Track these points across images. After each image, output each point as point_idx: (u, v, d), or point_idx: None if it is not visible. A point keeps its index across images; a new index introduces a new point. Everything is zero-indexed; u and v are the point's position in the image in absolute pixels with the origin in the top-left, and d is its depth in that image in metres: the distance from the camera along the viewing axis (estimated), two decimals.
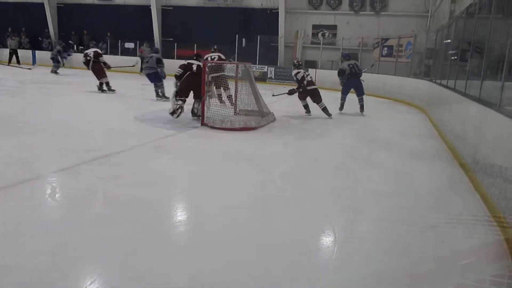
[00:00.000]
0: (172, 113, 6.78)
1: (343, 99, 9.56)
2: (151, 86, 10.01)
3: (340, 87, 9.75)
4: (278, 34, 17.83)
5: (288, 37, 17.99)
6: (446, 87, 7.23)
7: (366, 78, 12.71)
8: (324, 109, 8.36)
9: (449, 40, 8.23)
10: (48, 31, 21.22)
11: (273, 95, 9.11)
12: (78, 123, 6.38)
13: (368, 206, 3.52)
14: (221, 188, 3.78)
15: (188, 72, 6.97)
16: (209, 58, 9.04)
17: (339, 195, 3.79)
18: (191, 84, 6.84)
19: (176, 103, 6.78)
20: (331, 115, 8.34)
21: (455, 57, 7.08)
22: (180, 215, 3.22)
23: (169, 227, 2.92)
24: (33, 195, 3.38)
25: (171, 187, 3.80)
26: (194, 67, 6.96)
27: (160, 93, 9.87)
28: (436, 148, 6.08)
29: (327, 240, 2.84)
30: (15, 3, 21.80)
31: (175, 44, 18.97)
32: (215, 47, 10.63)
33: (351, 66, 9.36)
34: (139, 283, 2.16)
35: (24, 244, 2.48)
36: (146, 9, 19.43)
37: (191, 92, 6.94)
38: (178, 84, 7.06)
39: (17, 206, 3.07)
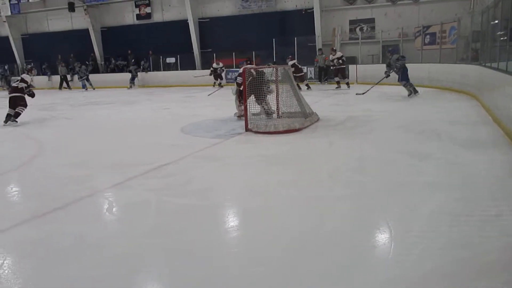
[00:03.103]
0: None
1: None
2: (194, 98, 10.22)
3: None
4: (315, 34, 17.69)
5: (325, 35, 17.80)
6: (498, 69, 6.85)
7: (410, 68, 12.36)
8: None
9: (496, 21, 7.81)
10: (94, 55, 22.26)
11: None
12: (124, 140, 6.65)
13: (423, 200, 3.39)
14: (270, 191, 3.79)
15: (250, 78, 7.35)
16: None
17: (391, 191, 3.68)
18: (252, 88, 7.25)
19: (240, 107, 7.71)
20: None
21: (505, 38, 6.71)
22: (232, 221, 3.26)
23: (222, 233, 2.96)
24: (91, 210, 3.54)
25: (221, 194, 3.86)
26: (254, 72, 7.45)
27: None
28: (491, 134, 5.77)
29: (383, 237, 2.77)
30: (63, 32, 23.10)
31: (214, 54, 19.31)
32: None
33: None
34: None
35: (86, 257, 2.60)
36: (184, 23, 19.94)
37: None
38: (238, 90, 7.82)
39: (78, 221, 3.24)
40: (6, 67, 23.32)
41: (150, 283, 2.32)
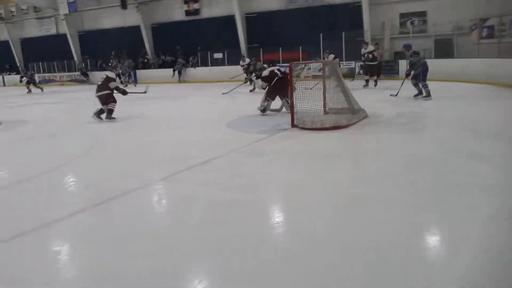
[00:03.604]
0: (263, 110, 8.12)
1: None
2: (241, 93, 10.30)
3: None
4: (363, 28, 17.27)
5: (374, 30, 17.33)
6: None
7: (465, 64, 11.77)
8: None
9: None
10: (146, 51, 22.95)
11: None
12: (171, 135, 6.83)
13: (479, 203, 3.23)
14: (316, 188, 3.76)
15: (276, 78, 8.08)
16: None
17: (444, 191, 3.53)
18: (278, 87, 7.98)
19: (263, 103, 8.13)
20: None
21: None
22: (278, 217, 3.26)
23: (267, 228, 2.97)
24: (142, 202, 3.67)
25: (266, 189, 3.87)
26: (279, 73, 8.15)
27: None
28: None
29: (434, 239, 2.67)
30: (116, 28, 24.01)
31: (261, 49, 19.34)
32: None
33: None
34: (243, 282, 2.23)
35: (137, 248, 2.70)
36: (231, 18, 20.12)
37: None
38: (265, 86, 8.25)
39: (129, 213, 3.36)
40: (83, 64, 24.38)
41: (197, 274, 2.37)
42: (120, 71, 19.61)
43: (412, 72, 9.59)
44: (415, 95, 9.73)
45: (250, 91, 13.63)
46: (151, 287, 2.23)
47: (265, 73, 8.54)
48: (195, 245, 2.71)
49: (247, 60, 16.75)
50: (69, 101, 14.15)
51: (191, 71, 20.71)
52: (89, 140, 6.61)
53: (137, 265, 2.46)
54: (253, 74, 14.85)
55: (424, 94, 9.45)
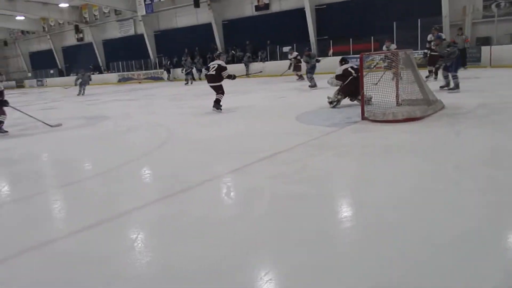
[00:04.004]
0: (331, 102, 8.11)
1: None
2: (303, 87, 10.17)
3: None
4: (441, 14, 16.23)
5: (454, 15, 16.24)
6: None
7: None
8: None
9: None
10: (216, 47, 23.57)
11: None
12: (242, 128, 6.94)
13: None
14: (387, 183, 3.61)
15: (350, 78, 8.08)
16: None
17: None
18: (352, 86, 7.82)
19: (337, 96, 8.09)
20: None
21: None
22: (345, 211, 3.18)
23: (334, 223, 2.92)
24: (212, 193, 3.78)
25: (335, 183, 3.80)
26: (353, 72, 8.08)
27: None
28: None
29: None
30: (189, 27, 24.93)
31: (331, 41, 18.98)
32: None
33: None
34: (308, 274, 2.21)
35: (206, 237, 2.79)
36: (301, 11, 19.98)
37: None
38: (338, 83, 8.32)
39: (200, 204, 3.48)
40: (169, 62, 25.43)
41: (264, 265, 2.39)
42: (185, 68, 20.33)
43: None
44: (442, 87, 9.23)
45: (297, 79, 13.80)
46: (218, 276, 2.28)
47: (338, 71, 8.42)
48: (262, 237, 2.74)
49: (295, 53, 16.34)
50: (145, 98, 14.97)
51: (260, 65, 20.89)
52: (164, 133, 6.94)
53: (206, 254, 2.53)
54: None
55: (452, 85, 8.88)
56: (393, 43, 13.37)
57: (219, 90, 8.99)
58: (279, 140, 5.60)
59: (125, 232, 3.03)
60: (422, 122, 5.91)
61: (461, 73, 12.86)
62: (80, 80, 18.77)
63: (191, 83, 20.28)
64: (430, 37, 12.46)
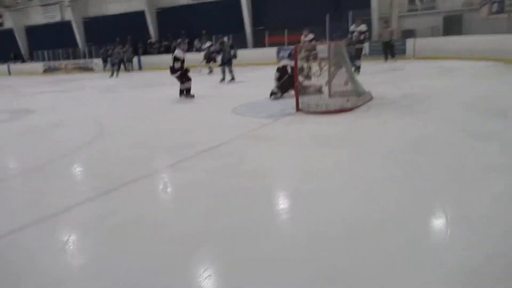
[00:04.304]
0: (272, 94, 8.24)
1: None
2: (245, 77, 10.22)
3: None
4: (370, 7, 16.97)
5: (382, 8, 17.07)
6: None
7: (474, 41, 11.55)
8: None
9: None
10: (150, 37, 22.85)
11: None
12: (178, 121, 6.84)
13: (484, 184, 3.21)
14: (322, 173, 3.75)
15: (286, 76, 8.19)
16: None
17: (449, 173, 3.50)
18: (287, 84, 8.05)
19: (278, 92, 8.24)
20: None
21: None
22: (284, 203, 3.26)
23: (274, 215, 2.97)
24: (149, 190, 3.69)
25: (272, 175, 3.87)
26: (289, 69, 8.19)
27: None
28: None
29: (439, 222, 2.65)
30: (120, 14, 23.90)
31: (266, 32, 19.14)
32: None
33: None
34: (250, 270, 2.25)
35: (144, 235, 2.73)
36: (236, 1, 19.89)
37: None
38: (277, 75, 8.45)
39: (136, 200, 3.39)
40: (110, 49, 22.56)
41: (205, 262, 2.39)
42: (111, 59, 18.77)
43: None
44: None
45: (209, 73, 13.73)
46: (157, 274, 2.25)
47: (280, 65, 8.68)
48: (202, 232, 2.73)
49: (208, 43, 16.07)
50: (74, 89, 14.20)
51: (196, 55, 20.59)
52: (96, 127, 6.64)
53: (144, 252, 2.48)
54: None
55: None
56: (311, 32, 12.95)
57: (182, 79, 9.06)
58: (217, 133, 5.59)
59: (56, 234, 2.88)
60: (353, 113, 6.18)
61: (388, 64, 13.62)
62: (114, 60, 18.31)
63: (117, 75, 18.33)
64: (353, 27, 12.20)
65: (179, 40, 10.26)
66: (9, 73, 27.20)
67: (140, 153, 4.88)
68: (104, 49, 22.63)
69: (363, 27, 11.88)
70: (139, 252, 2.51)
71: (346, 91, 6.95)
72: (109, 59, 19.02)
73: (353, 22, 16.69)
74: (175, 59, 8.99)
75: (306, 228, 2.70)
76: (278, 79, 8.36)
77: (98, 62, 23.28)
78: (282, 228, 2.80)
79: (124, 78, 17.28)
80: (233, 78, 12.30)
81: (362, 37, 11.68)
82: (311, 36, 12.59)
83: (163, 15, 22.80)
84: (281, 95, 8.26)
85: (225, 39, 13.70)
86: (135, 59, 21.91)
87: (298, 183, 3.59)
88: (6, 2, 27.48)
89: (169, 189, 3.76)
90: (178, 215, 3.09)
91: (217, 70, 13.86)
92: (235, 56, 12.76)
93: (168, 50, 21.93)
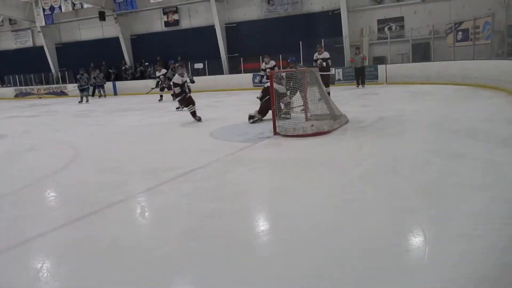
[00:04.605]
0: (250, 118, 8.16)
1: None
2: (222, 102, 10.28)
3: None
4: (342, 35, 17.51)
5: (353, 36, 17.61)
6: None
7: (441, 66, 11.99)
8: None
9: None
10: (125, 62, 22.78)
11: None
12: (155, 146, 6.78)
13: (458, 201, 3.29)
14: (300, 195, 3.76)
15: (267, 97, 7.74)
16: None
17: (424, 192, 3.58)
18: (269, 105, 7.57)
19: (257, 115, 8.19)
20: None
21: None
22: (263, 225, 3.25)
23: (253, 237, 2.96)
24: (125, 215, 3.61)
25: (251, 198, 3.86)
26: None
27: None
28: None
29: (417, 240, 2.69)
30: (95, 40, 23.80)
31: (241, 58, 19.39)
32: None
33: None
34: None
35: (120, 261, 2.65)
36: (211, 29, 20.15)
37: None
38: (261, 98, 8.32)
39: (112, 226, 3.31)
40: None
41: (183, 286, 2.33)
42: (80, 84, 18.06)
43: None
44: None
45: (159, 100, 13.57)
46: None
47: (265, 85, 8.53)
48: (180, 257, 2.68)
49: (164, 70, 15.59)
50: (47, 114, 13.91)
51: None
52: (69, 152, 6.49)
53: (121, 279, 2.41)
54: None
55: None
56: (271, 59, 12.20)
57: (182, 104, 9.14)
58: (194, 157, 5.55)
59: (29, 262, 2.77)
60: (330, 136, 6.27)
61: (360, 89, 13.97)
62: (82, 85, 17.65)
63: (87, 100, 17.86)
64: (316, 55, 12.04)
65: (176, 65, 10.05)
66: None
67: (115, 177, 4.78)
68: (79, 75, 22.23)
69: (325, 54, 11.87)
70: (115, 278, 2.44)
71: (322, 115, 7.06)
72: (78, 84, 18.50)
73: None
74: (174, 84, 9.01)
75: (285, 249, 2.69)
76: (261, 98, 8.33)
77: (71, 87, 22.88)
78: (260, 250, 2.77)
79: (97, 103, 17.05)
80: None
81: (325, 64, 11.63)
82: (272, 63, 11.94)
83: (138, 41, 22.82)
84: (261, 119, 8.22)
85: (177, 64, 12.43)
86: (109, 84, 21.70)
87: (276, 205, 3.60)
88: None
89: (146, 213, 3.69)
90: (155, 239, 3.02)
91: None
92: (192, 81, 11.94)
93: (143, 75, 21.90)
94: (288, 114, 7.53)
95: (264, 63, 12.06)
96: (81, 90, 17.93)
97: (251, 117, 8.25)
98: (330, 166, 4.72)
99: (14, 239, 3.09)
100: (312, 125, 6.42)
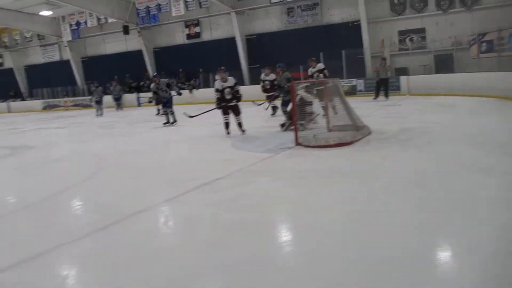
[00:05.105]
0: (282, 126, 8.22)
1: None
2: (244, 112, 10.27)
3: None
4: (362, 46, 17.45)
5: (374, 47, 17.51)
6: None
7: (466, 78, 11.79)
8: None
9: None
10: (148, 74, 23.19)
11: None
12: (178, 155, 6.85)
13: (487, 216, 3.20)
14: (323, 206, 3.73)
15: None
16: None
17: (452, 206, 3.50)
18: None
19: (287, 121, 8.17)
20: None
21: None
22: (285, 236, 3.23)
23: (275, 248, 2.94)
24: (148, 224, 3.65)
25: (272, 209, 3.84)
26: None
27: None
28: None
29: (444, 255, 2.63)
30: (119, 54, 24.37)
31: (261, 70, 19.49)
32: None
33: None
34: None
35: (143, 270, 2.67)
36: (231, 41, 20.39)
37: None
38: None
39: (134, 236, 3.34)
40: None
41: None
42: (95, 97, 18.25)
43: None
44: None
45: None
46: None
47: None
48: (202, 267, 2.68)
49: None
50: (73, 125, 14.25)
51: (194, 93, 20.84)
52: (94, 162, 6.62)
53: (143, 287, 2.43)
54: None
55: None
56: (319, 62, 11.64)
57: (224, 112, 8.44)
58: (216, 167, 5.58)
59: (56, 269, 2.83)
60: (352, 147, 6.21)
61: (383, 101, 13.83)
62: (96, 98, 17.73)
63: (101, 114, 17.58)
64: (310, 70, 11.52)
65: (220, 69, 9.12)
66: (9, 110, 27.34)
67: (139, 187, 4.85)
68: (105, 87, 22.56)
69: (319, 66, 11.25)
70: (138, 286, 2.45)
71: (345, 125, 7.02)
72: (92, 97, 18.69)
73: (347, 60, 17.24)
74: (215, 90, 8.47)
75: (307, 263, 2.66)
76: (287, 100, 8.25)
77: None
78: (282, 262, 2.75)
79: (119, 115, 17.35)
80: (174, 121, 11.18)
81: (322, 75, 10.95)
82: (272, 76, 11.35)
83: (161, 54, 23.25)
84: (291, 123, 7.71)
85: (163, 78, 12.16)
86: (131, 96, 22.10)
87: (299, 216, 3.57)
88: (7, 43, 28.01)
89: (169, 223, 3.73)
90: (178, 249, 3.04)
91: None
92: (178, 93, 12.00)
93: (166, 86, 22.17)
94: (311, 123, 7.50)
95: (264, 74, 11.33)
96: (96, 103, 18.07)
97: (282, 125, 8.30)
98: (354, 178, 4.67)
99: (41, 247, 3.15)
100: (334, 136, 6.39)
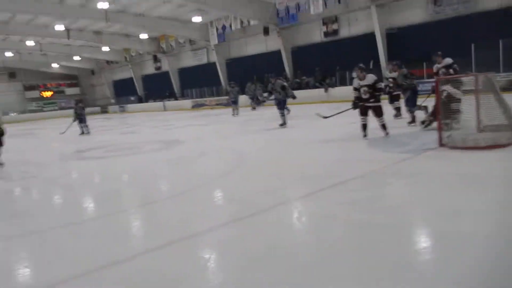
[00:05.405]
0: (422, 123, 7.89)
1: None
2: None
3: None
4: None
5: None
6: None
7: None
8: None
9: None
10: (286, 74, 23.84)
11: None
12: (314, 154, 6.90)
13: None
14: (468, 215, 3.37)
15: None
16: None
17: None
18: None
19: (428, 118, 7.78)
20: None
21: None
22: (424, 242, 3.02)
23: (410, 254, 2.77)
24: (282, 219, 3.76)
25: (409, 213, 3.62)
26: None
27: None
28: None
29: None
30: (258, 54, 25.64)
31: (402, 65, 18.42)
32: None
33: None
34: None
35: (276, 263, 2.77)
36: (371, 36, 19.67)
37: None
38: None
39: (268, 228, 3.48)
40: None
41: None
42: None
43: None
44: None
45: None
46: None
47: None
48: (333, 266, 2.67)
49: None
50: (217, 123, 15.48)
51: (330, 91, 20.74)
52: (235, 158, 7.11)
53: (276, 280, 2.52)
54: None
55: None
56: (400, 67, 9.84)
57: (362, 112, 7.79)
58: (352, 166, 5.49)
59: (198, 252, 3.11)
60: (508, 150, 5.47)
61: None
62: (232, 98, 18.26)
63: (237, 113, 17.97)
64: (436, 67, 9.07)
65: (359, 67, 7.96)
66: (164, 108, 31.09)
67: (275, 182, 5.05)
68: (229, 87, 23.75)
69: (447, 60, 8.96)
70: (271, 279, 2.55)
71: (499, 125, 6.21)
72: (228, 97, 19.62)
73: (505, 51, 15.18)
74: (353, 89, 7.93)
75: (450, 272, 2.43)
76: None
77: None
78: (418, 270, 2.58)
79: (254, 114, 18.22)
80: (284, 123, 10.87)
81: (451, 70, 8.61)
82: (370, 80, 8.63)
83: (298, 53, 23.69)
84: (433, 121, 7.25)
85: (279, 80, 11.63)
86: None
87: (438, 224, 3.28)
88: (164, 49, 31.79)
89: (302, 219, 3.80)
90: (309, 245, 3.08)
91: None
92: (293, 96, 11.51)
93: (300, 86, 22.55)
94: (457, 123, 6.81)
95: (357, 78, 7.99)
96: (233, 102, 18.50)
97: (422, 122, 7.94)
98: (506, 185, 4.11)
99: (186, 231, 3.53)
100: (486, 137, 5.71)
